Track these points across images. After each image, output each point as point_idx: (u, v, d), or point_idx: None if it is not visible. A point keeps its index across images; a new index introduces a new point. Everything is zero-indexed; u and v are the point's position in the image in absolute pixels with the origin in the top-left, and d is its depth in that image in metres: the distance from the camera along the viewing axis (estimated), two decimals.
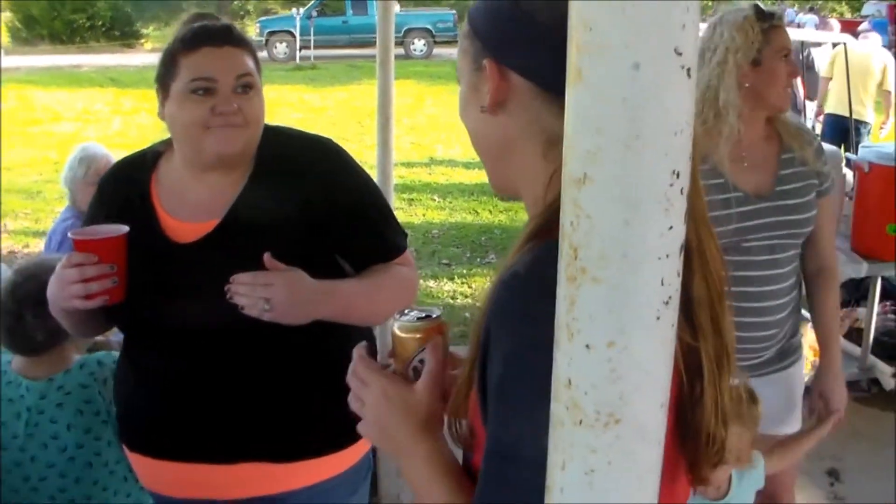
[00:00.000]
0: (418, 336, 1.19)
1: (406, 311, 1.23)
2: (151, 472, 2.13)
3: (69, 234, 1.92)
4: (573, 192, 0.56)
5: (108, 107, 16.97)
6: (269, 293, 1.82)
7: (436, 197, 9.50)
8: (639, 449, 0.60)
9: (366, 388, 1.20)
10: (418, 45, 25.92)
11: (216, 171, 2.01)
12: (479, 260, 7.29)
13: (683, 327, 0.97)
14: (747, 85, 2.34)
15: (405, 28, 24.37)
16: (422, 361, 1.17)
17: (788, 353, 2.61)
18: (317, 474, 2.08)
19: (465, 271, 6.92)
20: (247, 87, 1.95)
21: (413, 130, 13.25)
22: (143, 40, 36.06)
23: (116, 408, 2.24)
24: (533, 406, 0.90)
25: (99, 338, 2.89)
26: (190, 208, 2.02)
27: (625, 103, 0.54)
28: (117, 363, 2.25)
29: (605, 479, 0.60)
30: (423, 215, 8.73)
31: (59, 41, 32.26)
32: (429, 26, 26.30)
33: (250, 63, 1.98)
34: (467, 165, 11.09)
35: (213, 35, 1.95)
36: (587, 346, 0.57)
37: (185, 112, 1.92)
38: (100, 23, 34.33)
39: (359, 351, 1.25)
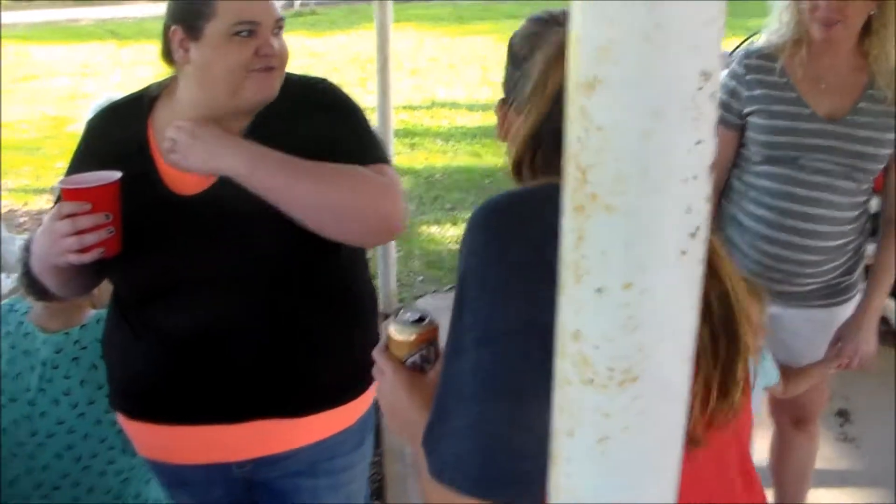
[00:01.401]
0: (412, 339, 1.27)
1: (402, 313, 1.29)
2: (153, 439, 2.05)
3: (57, 184, 1.80)
4: (581, 100, 0.45)
5: (108, 60, 16.79)
6: (175, 134, 1.80)
7: (438, 141, 9.37)
8: (661, 410, 0.50)
9: (382, 378, 1.28)
10: None
11: (229, 118, 1.91)
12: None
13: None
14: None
15: None
16: (415, 362, 1.27)
17: (838, 291, 2.57)
18: (325, 429, 2.04)
19: (468, 216, 6.80)
20: (280, 29, 1.91)
21: (414, 73, 13.08)
22: None
23: (109, 371, 2.14)
24: (471, 303, 1.03)
25: None
26: None
27: None
28: (107, 323, 2.15)
29: (621, 447, 0.50)
30: (426, 160, 8.61)
31: None
32: None
33: (278, 6, 1.92)
34: (470, 107, 10.95)
35: None
36: (598, 290, 0.47)
37: (227, 55, 1.83)
38: None
39: (378, 348, 1.32)
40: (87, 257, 1.78)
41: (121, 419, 2.11)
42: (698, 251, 0.48)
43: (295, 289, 1.91)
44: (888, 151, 2.42)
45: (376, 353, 1.30)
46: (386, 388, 1.27)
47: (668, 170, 0.45)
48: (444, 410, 1.04)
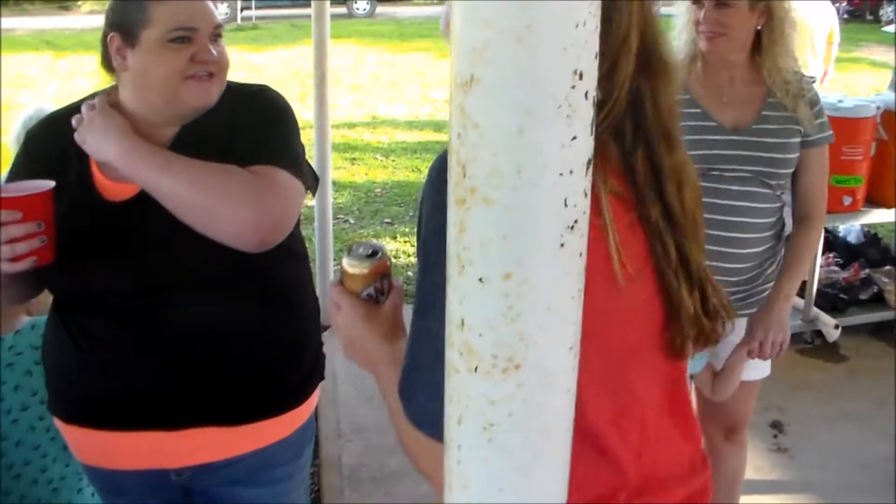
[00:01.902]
0: (366, 272, 1.28)
1: (353, 248, 1.30)
2: (91, 444, 2.03)
3: None
4: (460, 98, 0.47)
5: (44, 71, 16.58)
6: (84, 112, 1.86)
7: (378, 156, 9.36)
8: (544, 398, 0.52)
9: (339, 311, 1.29)
10: (361, 3, 25.58)
11: (169, 124, 1.90)
12: None
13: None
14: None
15: None
16: (370, 294, 1.28)
17: (761, 300, 2.61)
18: (264, 437, 2.02)
19: (407, 230, 6.81)
20: (218, 36, 1.89)
21: (355, 90, 13.07)
22: (80, 2, 35.31)
23: (47, 376, 2.12)
24: (439, 261, 0.98)
25: None
26: None
27: None
28: (46, 328, 2.13)
29: (507, 434, 0.52)
30: (366, 174, 8.60)
31: None
32: None
33: (217, 13, 1.91)
34: (410, 124, 10.96)
35: None
36: (480, 280, 0.49)
37: (162, 61, 1.82)
38: None
39: (333, 283, 1.33)
40: (20, 266, 1.77)
41: (58, 423, 2.08)
42: (577, 243, 0.50)
43: (229, 295, 1.89)
44: (795, 155, 2.49)
45: (332, 288, 1.31)
46: (343, 320, 1.29)
47: (543, 165, 0.47)
48: (420, 362, 1.07)
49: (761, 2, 2.39)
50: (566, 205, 0.48)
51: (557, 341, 0.51)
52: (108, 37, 1.88)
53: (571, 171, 0.48)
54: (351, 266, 1.28)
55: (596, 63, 0.48)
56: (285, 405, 2.03)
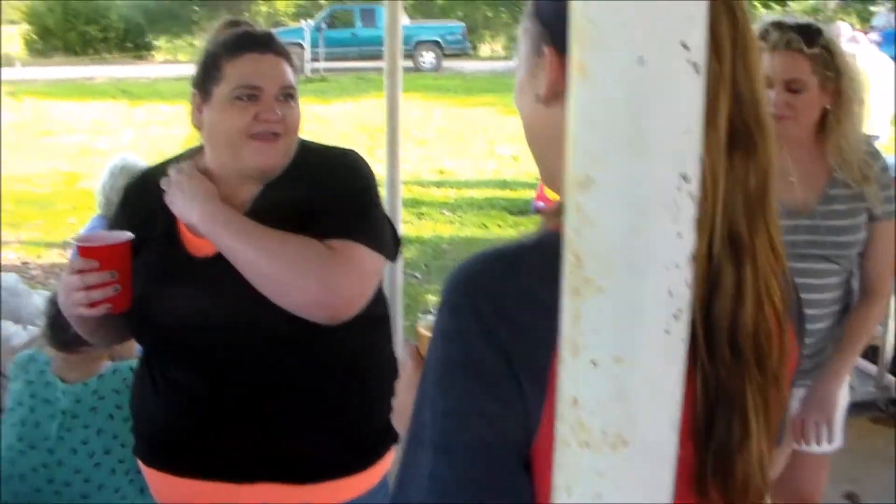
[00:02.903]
0: None
1: (433, 310, 1.24)
2: (166, 487, 2.11)
3: (71, 240, 1.90)
4: (576, 197, 0.52)
5: (119, 118, 17.07)
6: (173, 177, 1.95)
7: (445, 211, 9.48)
8: (649, 472, 0.56)
9: (404, 372, 1.29)
10: (427, 57, 25.97)
11: (246, 182, 1.98)
12: None
13: (714, 353, 0.94)
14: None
15: (414, 41, 24.41)
16: None
17: (807, 372, 2.56)
18: (331, 497, 2.06)
19: None
20: (288, 96, 1.94)
21: (422, 144, 13.25)
22: (154, 52, 36.28)
23: (133, 420, 2.21)
24: (432, 392, 0.98)
25: None
26: None
27: (629, 101, 0.50)
28: (134, 374, 2.23)
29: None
30: (434, 230, 8.71)
31: (73, 53, 32.54)
32: (438, 39, 26.37)
33: (290, 73, 1.98)
34: (477, 180, 11.07)
35: (258, 42, 1.95)
36: (592, 363, 0.53)
37: (228, 118, 1.91)
38: (112, 34, 34.65)
39: (409, 343, 1.34)
40: (95, 311, 1.86)
41: (140, 464, 2.16)
42: (681, 331, 0.54)
43: (307, 354, 1.95)
44: (863, 235, 2.47)
45: (406, 348, 1.31)
46: (402, 385, 1.28)
47: (652, 259, 0.52)
48: (406, 487, 1.00)
49: (831, 83, 2.36)
50: (671, 295, 0.53)
51: (662, 419, 0.55)
52: (192, 93, 1.97)
53: (677, 265, 0.53)
54: (423, 327, 1.28)
55: (699, 166, 0.53)
56: (354, 466, 2.06)
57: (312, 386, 1.99)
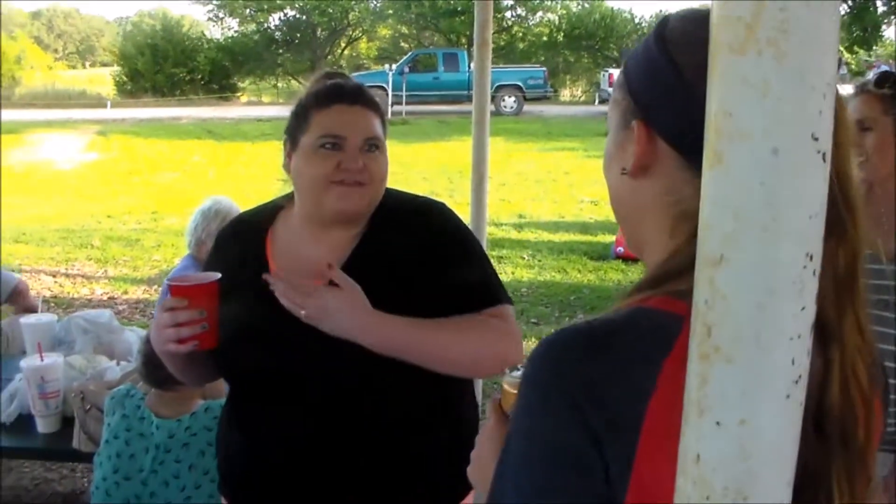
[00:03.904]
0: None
1: (519, 367, 1.22)
2: None
3: (166, 281, 1.99)
4: (709, 272, 0.57)
5: (204, 158, 17.47)
6: (303, 303, 1.90)
7: (525, 255, 9.51)
8: None
9: (485, 427, 1.25)
10: (509, 101, 26.17)
11: (333, 229, 2.04)
12: (567, 319, 7.25)
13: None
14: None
15: (496, 84, 24.58)
16: None
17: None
18: None
19: (552, 330, 6.85)
20: (373, 147, 2.00)
21: (502, 187, 13.33)
22: (239, 94, 37.13)
23: (218, 459, 2.27)
24: (516, 467, 0.97)
25: None
26: (301, 267, 2.04)
27: (763, 187, 0.55)
28: (221, 413, 2.29)
29: None
30: (513, 273, 8.75)
31: (161, 94, 33.43)
32: (519, 83, 26.55)
33: (378, 125, 2.02)
34: (557, 224, 11.09)
35: (346, 94, 2.01)
36: (717, 424, 0.58)
37: (312, 165, 1.97)
38: (199, 76, 35.56)
39: (493, 398, 1.28)
40: (184, 348, 1.94)
41: (224, 502, 2.22)
42: (799, 395, 0.59)
43: (397, 401, 1.99)
44: None
45: (490, 402, 1.27)
46: (481, 437, 1.25)
47: (778, 332, 0.57)
48: None
49: None
50: (793, 363, 0.57)
51: (781, 478, 0.60)
52: (284, 140, 2.05)
53: (800, 336, 0.57)
54: (507, 383, 1.24)
55: (821, 246, 0.57)
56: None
57: (398, 432, 2.03)
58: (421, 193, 2.22)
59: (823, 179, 0.57)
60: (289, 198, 2.15)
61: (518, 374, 1.21)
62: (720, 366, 0.58)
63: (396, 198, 2.14)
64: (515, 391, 1.18)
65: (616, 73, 1.11)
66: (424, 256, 2.01)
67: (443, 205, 2.17)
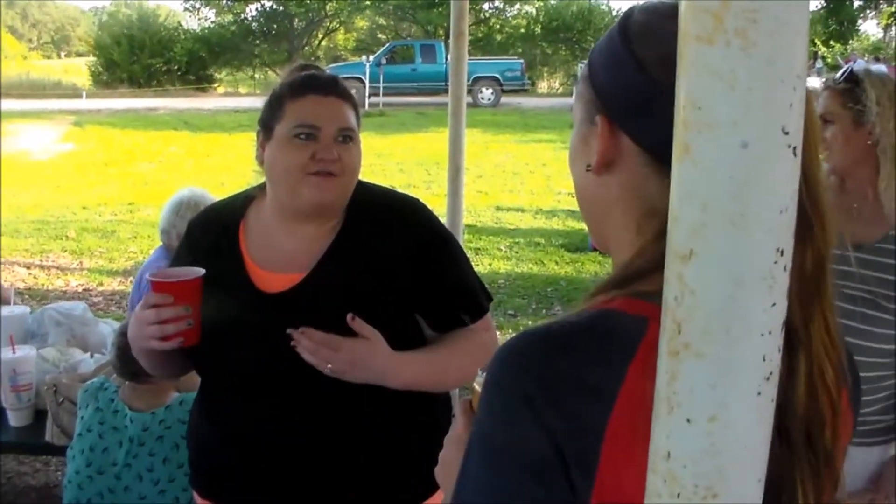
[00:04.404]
0: None
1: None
2: None
3: (146, 276, 1.96)
4: (678, 267, 0.56)
5: (181, 149, 17.38)
6: (330, 358, 1.88)
7: (502, 247, 9.51)
8: None
9: (453, 426, 1.22)
10: (486, 93, 26.16)
11: (308, 221, 2.03)
12: (544, 311, 7.26)
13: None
14: None
15: (473, 76, 24.57)
16: None
17: (874, 431, 2.44)
18: None
19: (530, 322, 6.89)
20: (347, 138, 2.00)
21: (479, 179, 13.33)
22: (216, 85, 36.95)
23: (189, 452, 2.26)
24: (476, 471, 0.95)
25: None
26: (277, 259, 2.04)
27: (731, 181, 0.54)
28: (192, 408, 2.27)
29: None
30: (490, 265, 8.74)
31: (137, 85, 33.24)
32: (497, 75, 26.55)
33: (352, 117, 2.02)
34: (534, 216, 11.10)
35: (321, 84, 2.00)
36: (688, 420, 0.57)
37: (286, 155, 1.96)
38: (175, 67, 35.35)
39: (464, 398, 1.25)
40: (168, 345, 1.92)
41: (195, 496, 2.21)
42: (770, 392, 0.58)
43: (367, 398, 1.99)
44: None
45: (458, 403, 1.23)
46: (449, 438, 1.22)
47: (748, 327, 0.56)
48: None
49: (869, 117, 2.31)
50: (764, 360, 0.57)
51: (751, 475, 0.59)
52: (257, 132, 2.04)
53: (770, 332, 0.57)
54: (479, 384, 1.17)
55: (792, 241, 0.57)
56: (410, 500, 2.09)
57: (370, 425, 2.03)
58: (397, 185, 2.23)
59: (794, 173, 0.56)
60: (260, 188, 2.14)
61: None
62: (690, 362, 0.57)
63: (371, 191, 2.14)
64: None
65: None
66: (404, 257, 2.02)
67: (418, 201, 2.17)
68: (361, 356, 1.91)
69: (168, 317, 1.90)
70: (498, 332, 6.62)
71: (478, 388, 1.17)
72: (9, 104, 24.09)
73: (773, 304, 0.56)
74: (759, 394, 0.58)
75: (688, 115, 0.55)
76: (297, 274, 2.00)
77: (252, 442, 2.04)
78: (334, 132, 1.97)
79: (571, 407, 0.89)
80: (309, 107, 1.98)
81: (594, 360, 0.90)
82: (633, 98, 0.98)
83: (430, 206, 2.18)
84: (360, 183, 2.09)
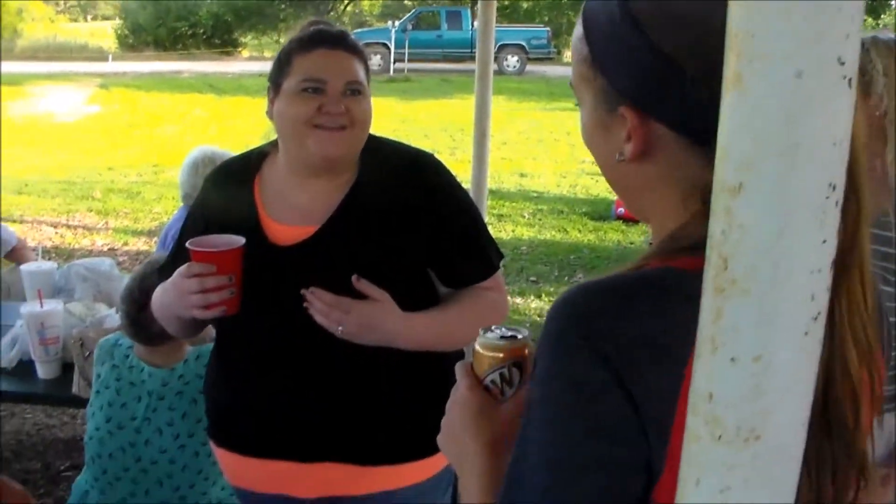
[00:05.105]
0: (499, 355, 1.12)
1: (493, 328, 1.15)
2: (236, 467, 2.18)
3: (187, 245, 1.94)
4: (726, 201, 0.55)
5: (206, 112, 17.41)
6: (342, 320, 1.89)
7: (525, 213, 9.48)
8: (778, 468, 0.58)
9: (454, 391, 1.15)
10: (511, 61, 26.00)
11: (319, 175, 2.03)
12: (566, 278, 7.24)
13: None
14: None
15: (499, 44, 24.36)
16: (493, 381, 1.12)
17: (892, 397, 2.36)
18: (393, 481, 2.11)
19: (552, 289, 6.87)
20: (356, 91, 1.98)
21: (504, 146, 13.27)
22: (241, 48, 36.87)
23: (206, 402, 2.29)
24: (541, 437, 0.91)
25: None
26: (291, 212, 2.04)
27: (785, 112, 0.52)
28: (209, 361, 2.29)
29: (741, 497, 0.58)
30: (513, 231, 8.72)
31: (163, 48, 33.23)
32: (522, 42, 26.37)
33: (360, 71, 2.01)
34: (558, 183, 11.05)
35: (328, 39, 2.00)
36: (732, 360, 0.56)
37: (293, 109, 1.96)
38: (201, 31, 35.34)
39: (462, 361, 1.19)
40: (210, 314, 1.93)
41: (212, 446, 2.23)
42: (818, 333, 0.57)
43: (377, 350, 1.99)
44: None
45: (458, 366, 1.17)
46: (451, 403, 1.15)
47: (797, 264, 0.54)
48: None
49: (873, 94, 2.26)
50: (812, 299, 0.55)
51: (795, 417, 0.58)
52: (267, 87, 2.04)
53: (819, 270, 0.55)
54: (481, 345, 1.13)
55: (845, 176, 0.55)
56: (418, 452, 2.10)
57: (382, 374, 2.04)
58: (429, 151, 2.21)
59: (849, 106, 0.54)
60: (273, 145, 2.15)
61: (492, 335, 1.13)
62: (736, 299, 0.55)
63: (385, 145, 2.14)
64: (490, 353, 1.11)
65: None
66: (418, 210, 2.01)
67: (432, 155, 2.16)
68: (372, 318, 1.92)
69: (211, 286, 1.91)
70: (519, 299, 6.65)
71: (480, 349, 1.13)
72: (36, 66, 24.18)
73: (824, 241, 0.55)
74: (806, 334, 0.56)
75: (740, 43, 0.53)
76: (310, 227, 2.01)
77: (255, 390, 2.06)
78: (342, 86, 1.97)
79: (647, 366, 0.86)
80: (316, 61, 1.98)
81: (661, 317, 0.87)
82: (657, 84, 0.95)
83: (452, 170, 2.17)
84: (374, 137, 2.09)
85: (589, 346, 0.88)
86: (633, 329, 0.88)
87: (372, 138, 2.08)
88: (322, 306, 1.89)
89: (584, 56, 1.04)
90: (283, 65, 2.01)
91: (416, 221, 2.01)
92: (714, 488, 0.59)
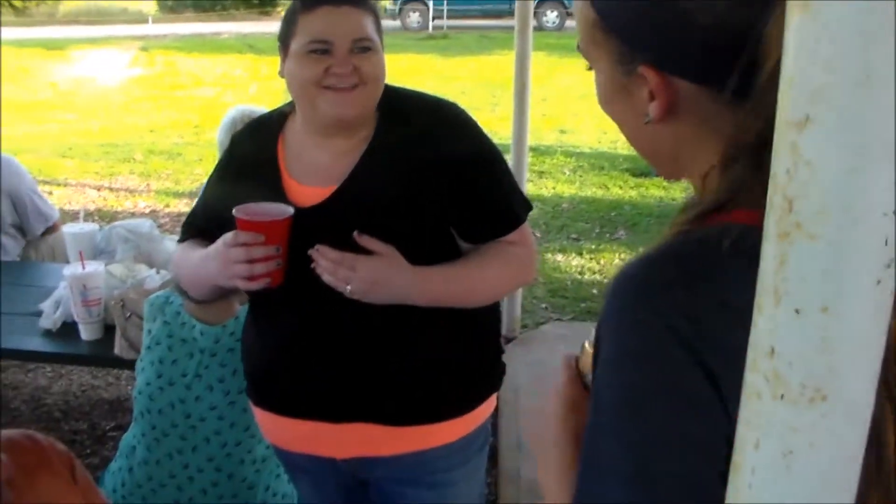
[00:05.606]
0: None
1: None
2: (271, 426, 2.18)
3: (234, 212, 1.90)
4: (791, 136, 0.49)
5: (245, 72, 17.45)
6: (348, 278, 1.85)
7: (566, 170, 9.39)
8: (845, 429, 0.53)
9: (554, 385, 1.13)
10: (551, 16, 25.65)
11: (336, 134, 1.99)
12: (608, 235, 7.16)
13: None
14: None
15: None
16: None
17: None
18: (424, 441, 2.09)
19: (593, 246, 6.80)
20: (365, 48, 1.93)
21: (544, 102, 13.13)
22: (279, 8, 36.80)
23: (243, 363, 2.28)
24: (617, 420, 0.87)
25: None
26: (311, 172, 2.01)
27: (859, 37, 0.47)
28: (246, 318, 2.28)
29: (806, 461, 0.53)
30: (553, 188, 8.63)
31: (202, 9, 33.29)
32: None
33: (369, 25, 1.94)
34: (598, 139, 10.93)
35: None
36: (796, 311, 0.51)
37: (301, 71, 1.92)
38: None
39: (568, 354, 1.15)
40: (254, 285, 1.89)
41: (250, 404, 2.22)
42: (891, 282, 0.51)
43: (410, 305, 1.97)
44: None
45: (563, 357, 1.14)
46: (553, 390, 1.12)
47: (870, 205, 0.49)
48: None
49: None
50: (886, 244, 0.50)
51: (865, 374, 0.53)
52: (279, 47, 2.00)
53: (895, 212, 0.49)
54: (590, 344, 1.08)
55: None
56: (450, 412, 2.08)
57: (412, 333, 2.01)
58: (451, 100, 2.14)
59: None
60: (291, 104, 2.11)
61: None
62: (802, 244, 0.50)
63: (403, 96, 2.08)
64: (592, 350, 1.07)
65: None
66: (439, 160, 1.96)
67: (455, 105, 2.10)
68: (380, 274, 1.87)
69: (258, 256, 1.87)
70: (560, 256, 6.61)
71: (587, 347, 1.09)
72: (77, 31, 24.34)
73: None
74: (878, 282, 0.51)
75: None
76: (329, 187, 1.97)
77: (290, 351, 2.06)
78: (348, 45, 1.91)
79: (724, 337, 0.81)
80: (321, 20, 1.91)
81: (733, 280, 0.81)
82: (673, 39, 0.92)
83: (492, 127, 2.11)
84: (392, 88, 2.04)
85: (659, 322, 0.85)
86: (704, 297, 0.85)
87: (389, 90, 2.02)
88: (328, 264, 1.86)
89: (592, 20, 1.01)
90: (289, 24, 1.96)
91: (436, 172, 1.96)
92: (775, 451, 0.54)
